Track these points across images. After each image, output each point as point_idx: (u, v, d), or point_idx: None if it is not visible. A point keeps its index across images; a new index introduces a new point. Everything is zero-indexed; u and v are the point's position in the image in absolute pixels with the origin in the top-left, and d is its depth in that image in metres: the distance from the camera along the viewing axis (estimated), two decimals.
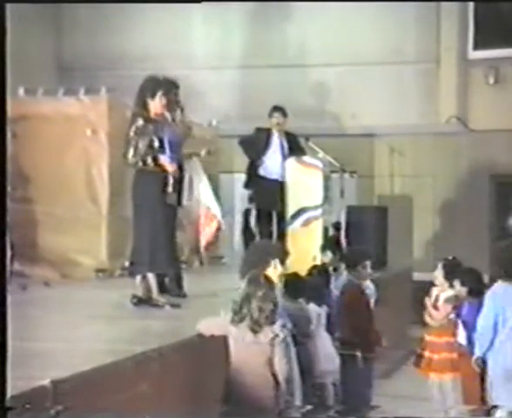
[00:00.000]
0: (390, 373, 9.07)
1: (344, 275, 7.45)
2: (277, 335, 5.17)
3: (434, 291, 7.21)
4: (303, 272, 7.00)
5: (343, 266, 7.57)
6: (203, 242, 8.22)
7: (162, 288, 7.53)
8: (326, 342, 6.59)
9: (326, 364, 6.52)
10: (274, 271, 5.89)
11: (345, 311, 7.00)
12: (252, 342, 5.19)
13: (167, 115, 7.61)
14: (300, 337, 6.14)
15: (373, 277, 7.73)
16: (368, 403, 7.08)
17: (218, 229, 8.27)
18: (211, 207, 8.19)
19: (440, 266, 7.24)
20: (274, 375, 5.19)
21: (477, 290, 6.70)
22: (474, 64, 13.75)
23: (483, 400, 6.48)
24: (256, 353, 5.19)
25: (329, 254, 8.10)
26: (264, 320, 5.16)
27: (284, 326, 5.30)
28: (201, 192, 8.12)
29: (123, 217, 8.85)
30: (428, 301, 7.22)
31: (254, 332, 5.17)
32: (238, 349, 5.26)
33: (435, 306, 7.12)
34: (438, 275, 7.21)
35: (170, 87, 7.71)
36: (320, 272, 7.37)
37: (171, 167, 7.19)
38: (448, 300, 7.01)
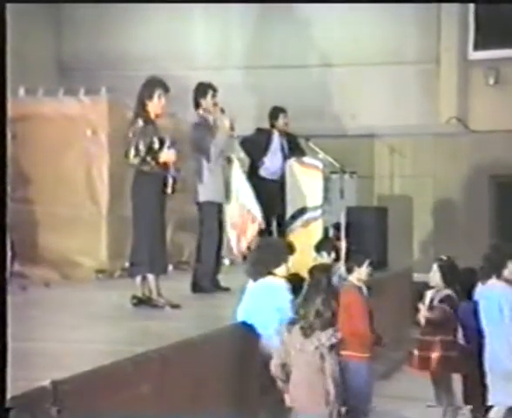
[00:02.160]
0: (390, 373, 9.06)
1: (341, 275, 7.42)
2: (322, 344, 5.15)
3: (429, 293, 7.11)
4: (302, 272, 6.98)
5: (339, 265, 7.55)
6: (244, 244, 8.27)
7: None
8: None
9: None
10: (285, 269, 5.88)
11: (342, 311, 6.96)
12: (299, 350, 5.18)
13: (209, 118, 8.34)
14: None
15: (373, 277, 7.70)
16: (368, 403, 7.06)
17: (260, 230, 8.35)
18: (251, 209, 8.24)
19: (435, 266, 7.13)
20: (324, 385, 5.18)
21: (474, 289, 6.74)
22: (475, 65, 13.77)
23: (483, 399, 6.49)
24: (304, 361, 5.19)
25: (324, 255, 8.06)
26: (319, 325, 5.15)
27: (334, 334, 5.25)
28: (241, 194, 8.18)
29: (123, 217, 8.85)
30: (422, 305, 7.13)
31: (305, 336, 5.15)
32: (290, 356, 5.27)
33: (431, 307, 7.05)
34: (434, 276, 7.12)
35: (206, 90, 8.49)
36: (320, 272, 7.33)
37: (173, 158, 7.15)
38: (442, 300, 6.98)
